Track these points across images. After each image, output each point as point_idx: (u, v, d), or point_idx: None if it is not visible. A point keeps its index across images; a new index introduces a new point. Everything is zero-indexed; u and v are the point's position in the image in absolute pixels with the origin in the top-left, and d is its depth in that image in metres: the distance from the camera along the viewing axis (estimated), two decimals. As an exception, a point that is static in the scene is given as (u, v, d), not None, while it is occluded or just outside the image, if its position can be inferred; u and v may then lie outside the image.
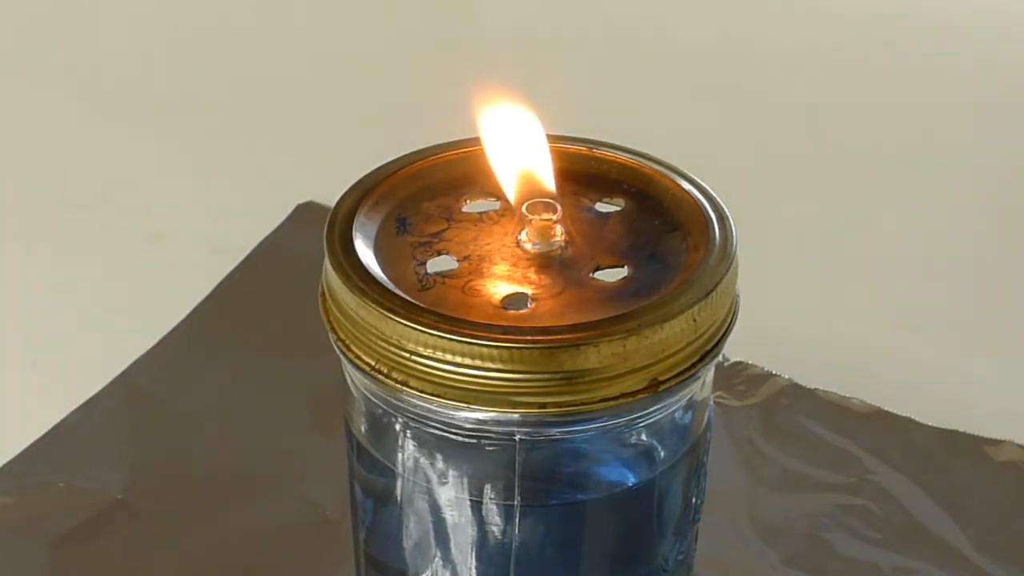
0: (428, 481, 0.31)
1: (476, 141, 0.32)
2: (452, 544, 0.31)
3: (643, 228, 0.31)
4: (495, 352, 0.28)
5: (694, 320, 0.29)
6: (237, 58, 0.67)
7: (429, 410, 0.29)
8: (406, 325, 0.28)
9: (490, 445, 0.29)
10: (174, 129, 0.62)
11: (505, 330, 0.28)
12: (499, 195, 0.32)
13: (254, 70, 0.66)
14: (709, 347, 0.29)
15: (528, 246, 0.30)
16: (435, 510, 0.31)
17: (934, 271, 0.55)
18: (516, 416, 0.28)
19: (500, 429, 0.29)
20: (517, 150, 0.31)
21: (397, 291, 0.29)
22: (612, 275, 0.30)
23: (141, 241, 0.55)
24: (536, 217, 0.30)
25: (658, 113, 0.62)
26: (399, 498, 0.32)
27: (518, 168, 0.31)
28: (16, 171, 0.60)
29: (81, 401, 0.45)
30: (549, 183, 0.31)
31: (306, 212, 0.53)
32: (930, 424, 0.45)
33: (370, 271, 0.29)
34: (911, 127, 0.63)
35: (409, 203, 0.32)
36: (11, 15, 0.70)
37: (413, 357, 0.28)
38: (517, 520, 0.30)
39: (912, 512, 0.42)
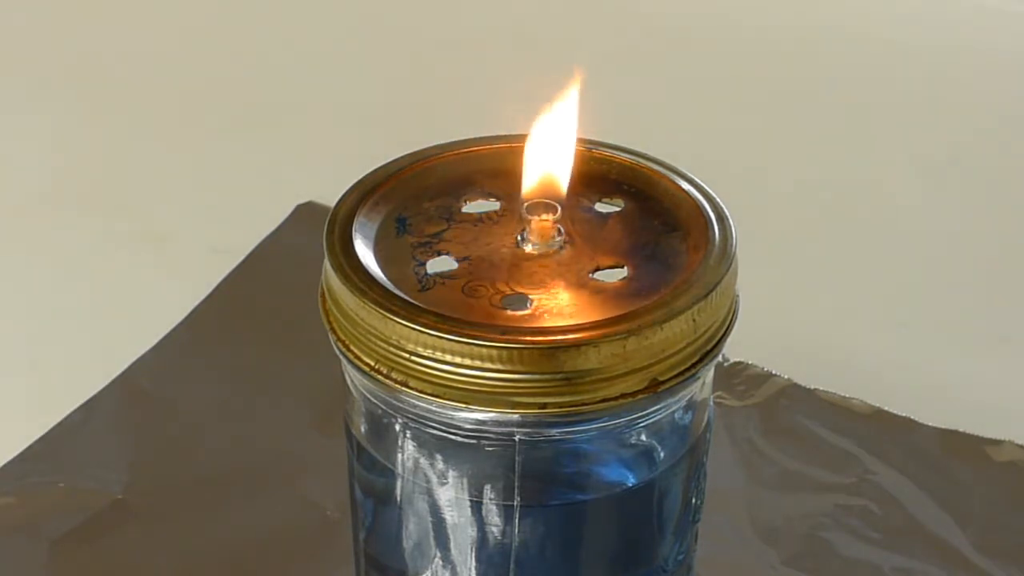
0: (428, 481, 0.31)
1: (476, 141, 0.32)
2: (452, 544, 0.31)
3: (643, 228, 0.31)
4: (495, 352, 0.28)
5: (694, 320, 0.29)
6: (237, 58, 0.67)
7: (429, 410, 0.29)
8: (406, 326, 0.28)
9: (490, 445, 0.29)
10: (174, 129, 0.62)
11: (505, 330, 0.28)
12: (499, 195, 0.32)
13: (254, 70, 0.66)
14: (709, 347, 0.29)
15: (528, 247, 0.30)
16: (435, 510, 0.31)
17: (934, 271, 0.54)
18: (516, 416, 0.28)
19: (500, 429, 0.29)
20: (553, 151, 0.31)
21: (397, 292, 0.29)
22: (612, 275, 0.30)
23: (141, 241, 0.55)
24: (536, 217, 0.30)
25: (658, 113, 0.62)
26: (399, 498, 0.32)
27: (545, 168, 0.31)
28: (16, 171, 0.60)
29: (81, 401, 0.45)
30: (563, 187, 0.31)
31: (306, 212, 0.53)
32: (930, 424, 0.45)
33: (370, 272, 0.29)
34: (912, 127, 0.63)
35: (409, 203, 0.32)
36: (11, 15, 0.70)
37: (413, 358, 0.28)
38: (517, 520, 0.30)
39: (912, 512, 0.42)
